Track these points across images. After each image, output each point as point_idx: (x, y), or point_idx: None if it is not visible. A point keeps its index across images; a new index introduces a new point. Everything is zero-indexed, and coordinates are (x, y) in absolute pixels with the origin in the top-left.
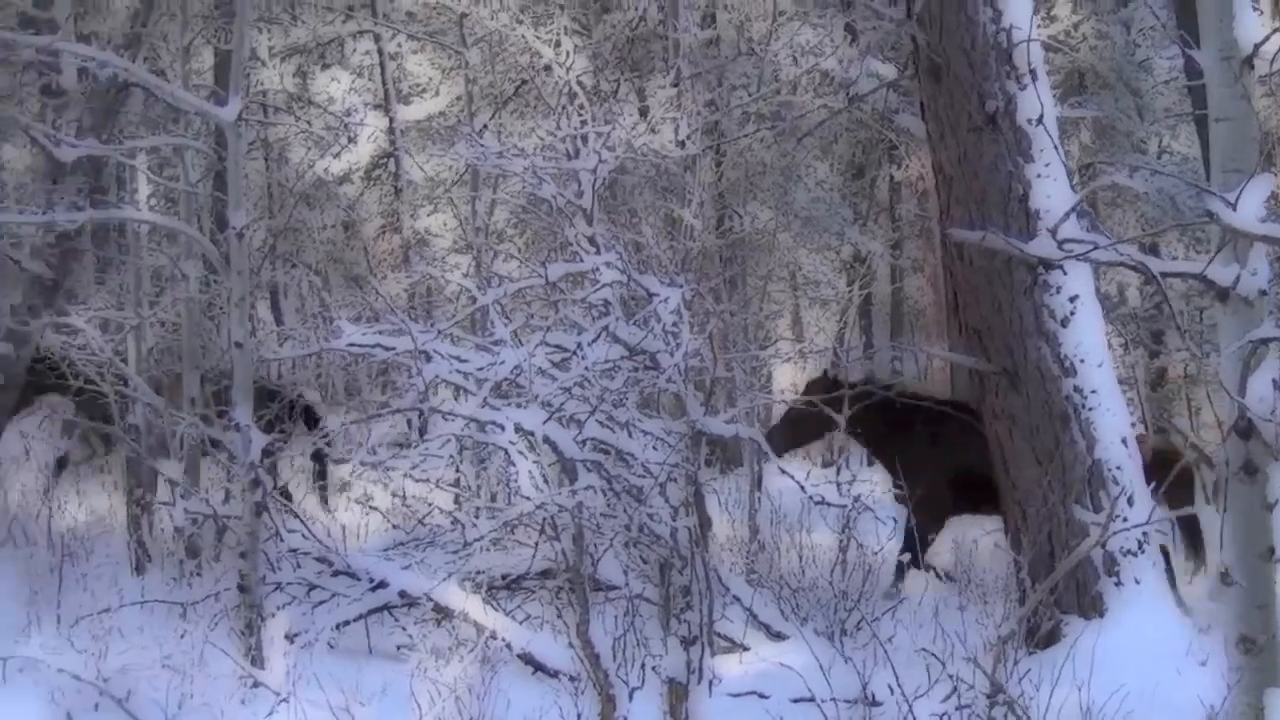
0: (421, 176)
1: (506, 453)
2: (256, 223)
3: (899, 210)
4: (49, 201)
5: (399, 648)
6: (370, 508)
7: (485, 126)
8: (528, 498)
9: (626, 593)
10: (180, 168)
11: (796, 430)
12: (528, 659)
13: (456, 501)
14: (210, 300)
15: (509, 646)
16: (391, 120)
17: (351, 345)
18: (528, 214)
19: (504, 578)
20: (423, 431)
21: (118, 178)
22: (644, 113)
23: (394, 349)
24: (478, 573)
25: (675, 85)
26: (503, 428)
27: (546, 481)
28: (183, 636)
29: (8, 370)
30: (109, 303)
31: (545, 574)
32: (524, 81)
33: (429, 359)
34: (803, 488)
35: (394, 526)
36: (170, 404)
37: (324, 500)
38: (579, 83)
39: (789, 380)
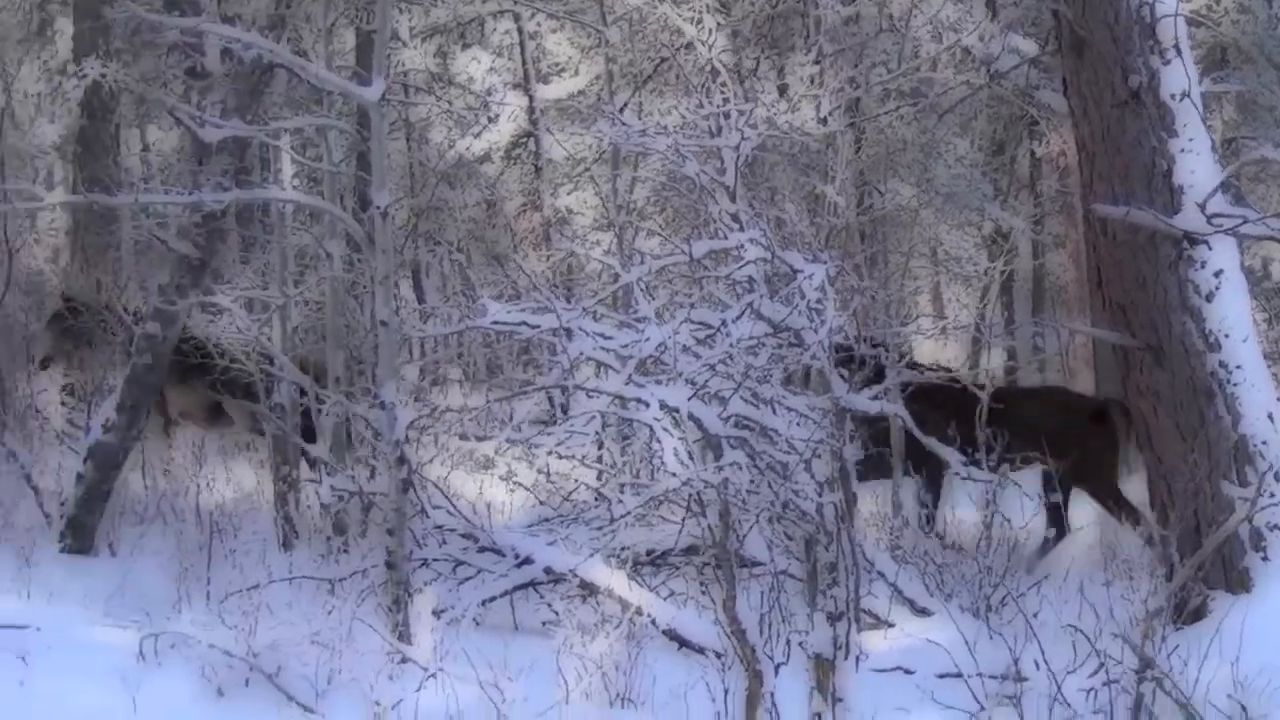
0: (561, 155)
1: (651, 429)
2: (399, 202)
3: (1040, 186)
4: (195, 182)
5: (544, 623)
6: (515, 484)
7: (625, 105)
8: (673, 474)
9: (771, 568)
10: (323, 148)
11: None
12: (673, 635)
13: (600, 478)
14: (354, 279)
15: (654, 622)
16: (531, 99)
17: (496, 323)
18: (668, 191)
19: (649, 554)
20: (565, 409)
21: (261, 158)
22: (783, 90)
23: (538, 326)
24: (622, 549)
25: (816, 63)
26: (647, 405)
27: (691, 458)
28: (330, 612)
29: (155, 350)
30: (254, 282)
31: (690, 550)
32: (663, 60)
33: (573, 336)
34: (948, 463)
35: (540, 503)
36: (315, 381)
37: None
38: (720, 60)
39: (930, 357)
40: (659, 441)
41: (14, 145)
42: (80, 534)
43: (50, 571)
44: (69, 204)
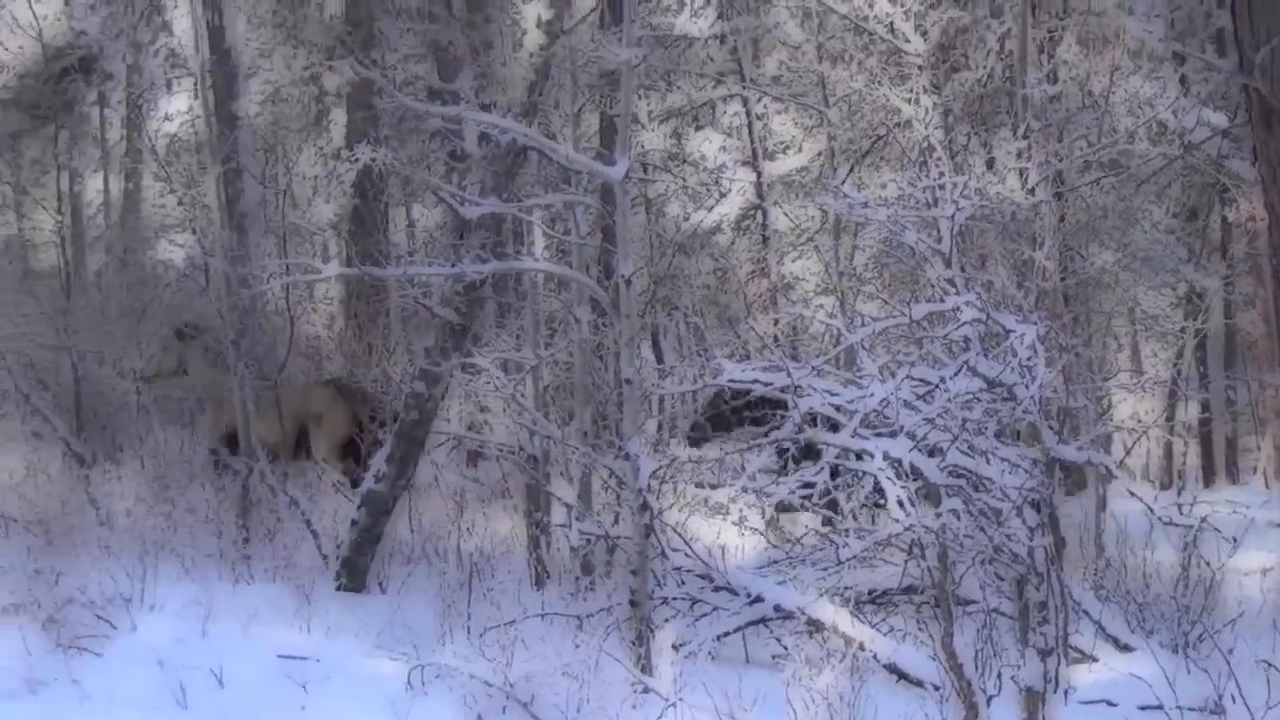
0: (787, 225)
1: (876, 479)
2: (639, 270)
3: (1231, 249)
4: (457, 255)
5: (774, 657)
6: (747, 528)
7: (846, 179)
8: (896, 520)
9: (984, 607)
10: (571, 222)
11: None
12: (893, 669)
13: (827, 523)
14: (599, 341)
15: (876, 657)
16: (759, 175)
17: (731, 381)
18: (887, 258)
19: (870, 593)
20: (796, 459)
21: (515, 232)
22: (990, 164)
23: (770, 384)
24: (846, 588)
25: (1024, 138)
26: (873, 456)
27: (913, 505)
28: (579, 646)
29: (422, 407)
30: (509, 345)
31: (908, 589)
32: (879, 137)
33: (802, 393)
34: (1150, 509)
35: (772, 546)
36: (565, 435)
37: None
38: (934, 137)
39: (1129, 410)
40: (883, 490)
41: (294, 223)
42: (354, 574)
43: (328, 607)
44: (344, 276)
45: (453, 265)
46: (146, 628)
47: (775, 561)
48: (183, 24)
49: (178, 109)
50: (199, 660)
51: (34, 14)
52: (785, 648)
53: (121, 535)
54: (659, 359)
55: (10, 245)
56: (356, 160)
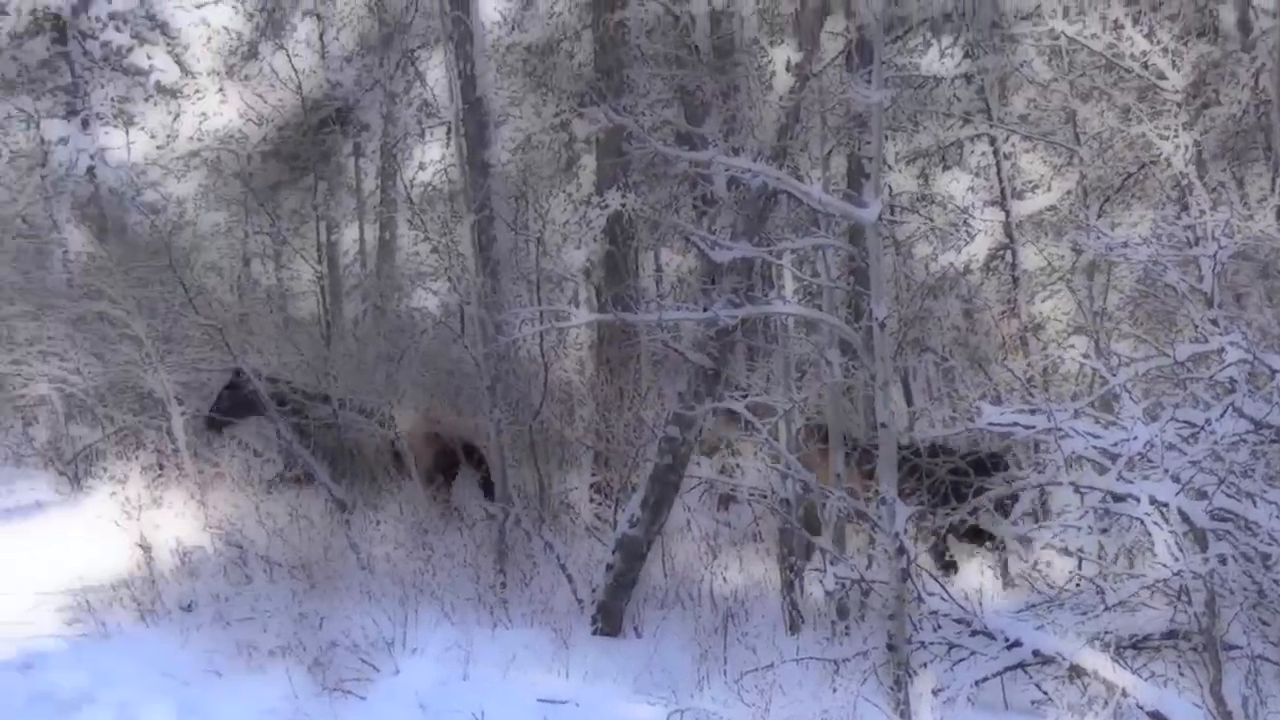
0: (1036, 265)
1: (1140, 522)
2: (891, 313)
3: None
4: (708, 299)
5: (1033, 703)
6: (1003, 571)
7: (1098, 217)
8: (1164, 564)
9: (1248, 653)
10: (821, 264)
11: None
12: (1157, 716)
13: (1081, 566)
14: (849, 384)
15: (1139, 704)
16: (1007, 214)
17: (991, 424)
18: (1143, 298)
19: (1131, 637)
20: (1043, 503)
21: (764, 275)
22: (1244, 200)
23: (1031, 427)
24: (1106, 633)
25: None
26: (1138, 499)
27: (1180, 549)
28: (836, 691)
29: (675, 451)
30: (760, 388)
31: (1170, 634)
32: (1129, 175)
33: (1064, 435)
34: None
35: (1035, 590)
36: (818, 479)
37: None
38: (1191, 173)
39: None
40: (1150, 534)
41: (545, 269)
42: (610, 618)
43: (585, 652)
44: (596, 321)
45: (705, 310)
46: (408, 671)
47: (1032, 605)
48: (435, 74)
49: (431, 158)
50: (460, 704)
51: (294, 68)
52: (1045, 693)
53: (382, 580)
54: (909, 401)
55: (271, 294)
56: (607, 206)
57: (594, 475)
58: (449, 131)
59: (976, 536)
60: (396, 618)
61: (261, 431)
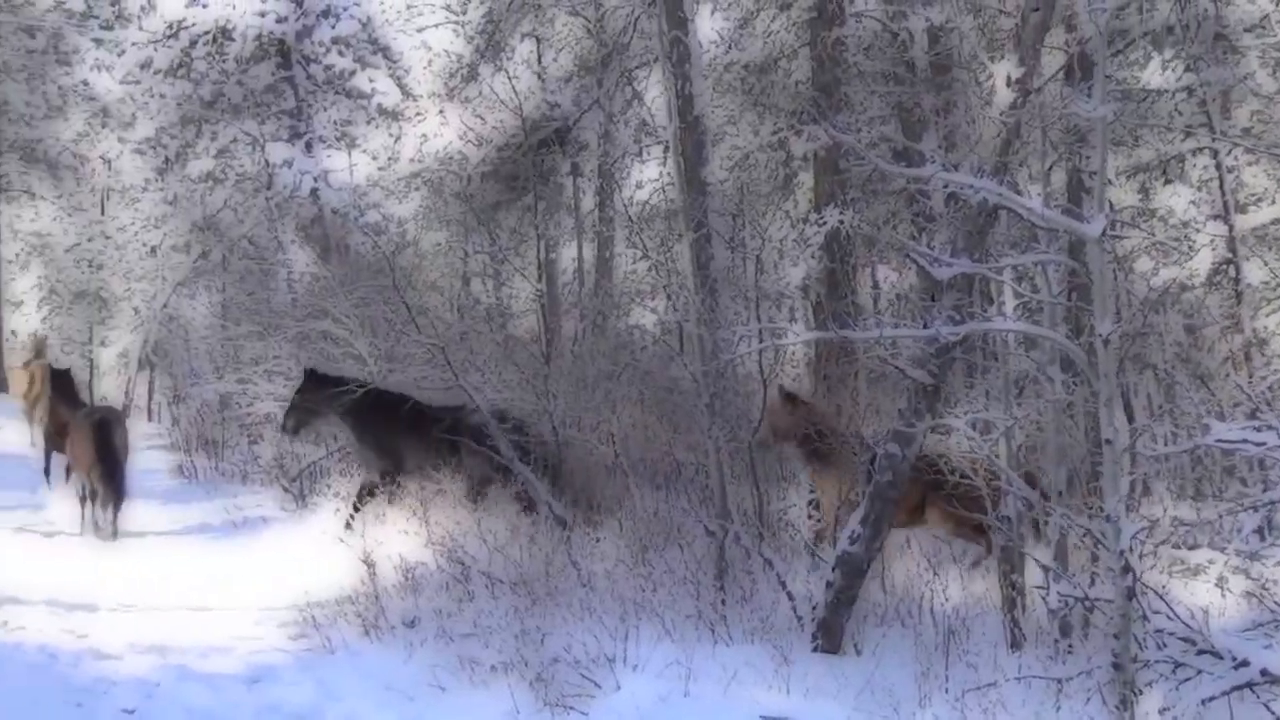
0: (1260, 279)
1: None
2: (1113, 329)
3: None
4: (928, 315)
5: None
6: (1230, 590)
7: None
8: None
9: None
10: (1041, 280)
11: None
12: None
13: None
14: (1070, 401)
15: None
16: (1230, 228)
17: (1219, 440)
18: None
19: None
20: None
21: (982, 292)
22: None
23: (1261, 443)
24: None
25: None
26: None
27: None
28: (1059, 710)
29: (895, 468)
30: (979, 405)
31: None
32: None
33: None
34: None
35: (1264, 607)
36: (1041, 496)
37: None
38: None
39: None
40: None
41: (764, 287)
42: (830, 635)
43: (805, 669)
44: (816, 339)
45: (925, 326)
46: (630, 687)
47: (1260, 624)
48: (652, 93)
49: (648, 176)
50: None
51: (513, 89)
52: (1275, 714)
53: (603, 596)
54: (1130, 418)
55: (491, 313)
56: (824, 223)
57: (812, 492)
58: (666, 150)
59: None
60: (617, 634)
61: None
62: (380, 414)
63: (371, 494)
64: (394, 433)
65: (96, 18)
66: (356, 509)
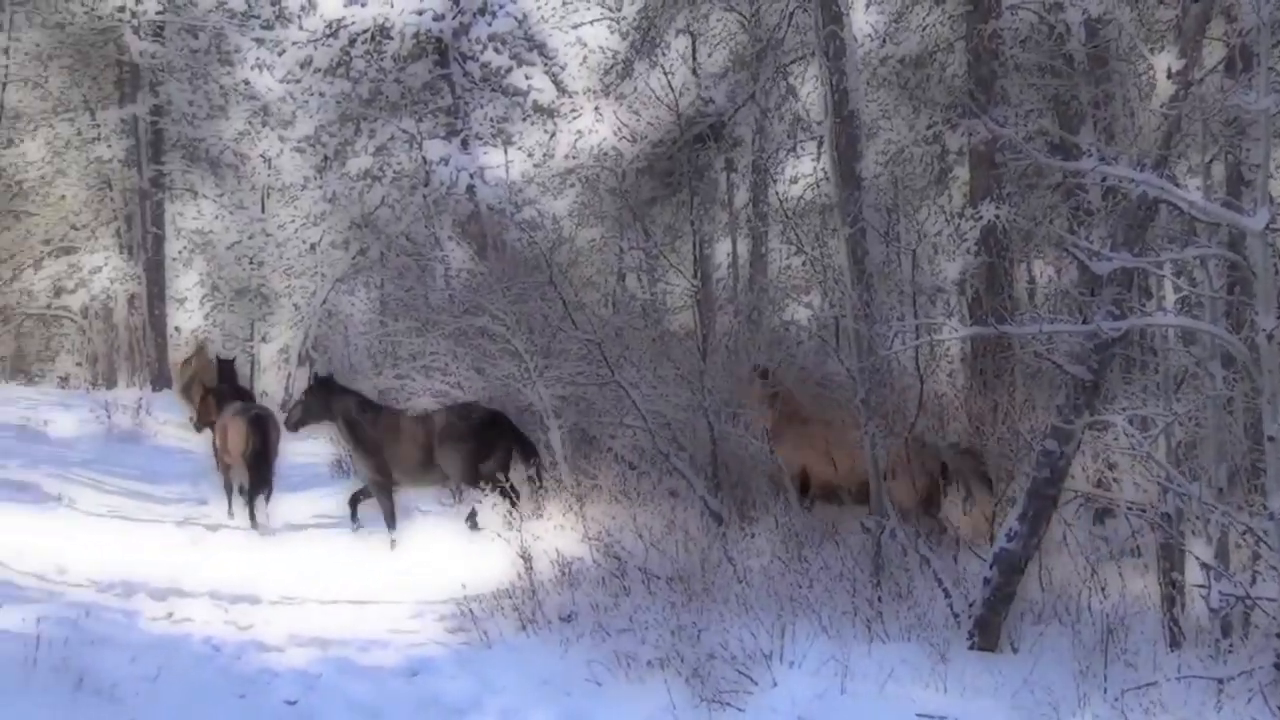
0: None
1: None
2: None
3: None
4: (1086, 310)
5: None
6: None
7: None
8: None
9: None
10: (1202, 274)
11: None
12: None
13: None
14: (1230, 396)
15: None
16: None
17: None
18: None
19: None
20: None
21: (1141, 286)
22: None
23: None
24: None
25: None
26: None
27: None
28: (1220, 710)
29: (1054, 465)
30: (1138, 401)
31: None
32: None
33: None
34: None
35: None
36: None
37: None
38: None
39: None
40: None
41: (920, 282)
42: (987, 632)
43: (963, 667)
44: (974, 335)
45: (1084, 321)
46: (786, 684)
47: None
48: (806, 88)
49: (802, 171)
50: (838, 717)
51: (669, 85)
52: None
53: (758, 592)
54: None
55: (646, 308)
56: (980, 217)
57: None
58: (821, 145)
59: None
60: (774, 630)
61: (636, 444)
62: (366, 423)
63: (364, 497)
64: (377, 441)
65: (257, 17)
66: (352, 505)
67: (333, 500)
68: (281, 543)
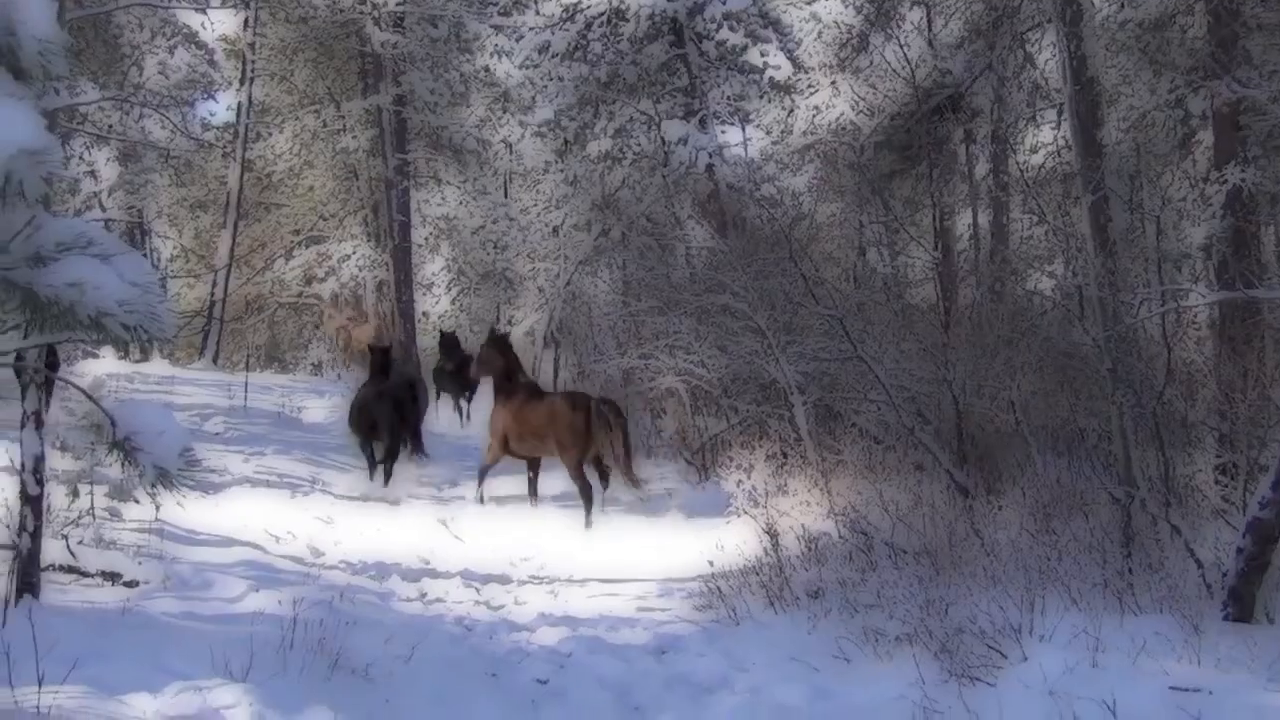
0: None
1: None
2: None
3: None
4: None
5: None
6: None
7: None
8: None
9: None
10: None
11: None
12: None
13: None
14: None
15: None
16: None
17: None
18: None
19: None
20: None
21: None
22: None
23: None
24: None
25: None
26: None
27: None
28: None
29: None
30: None
31: None
32: None
33: None
34: None
35: None
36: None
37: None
38: None
39: None
40: None
41: (1165, 249)
42: (1241, 603)
43: (1216, 639)
44: (1221, 299)
45: None
46: (1036, 658)
47: None
48: (1044, 55)
49: (1043, 140)
50: (1090, 691)
51: (905, 57)
52: None
53: (1006, 565)
54: None
55: (887, 282)
56: (1225, 181)
57: (1219, 457)
58: (1061, 113)
59: None
60: (1023, 604)
61: (880, 418)
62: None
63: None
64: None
65: (495, 4)
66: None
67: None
68: (534, 522)
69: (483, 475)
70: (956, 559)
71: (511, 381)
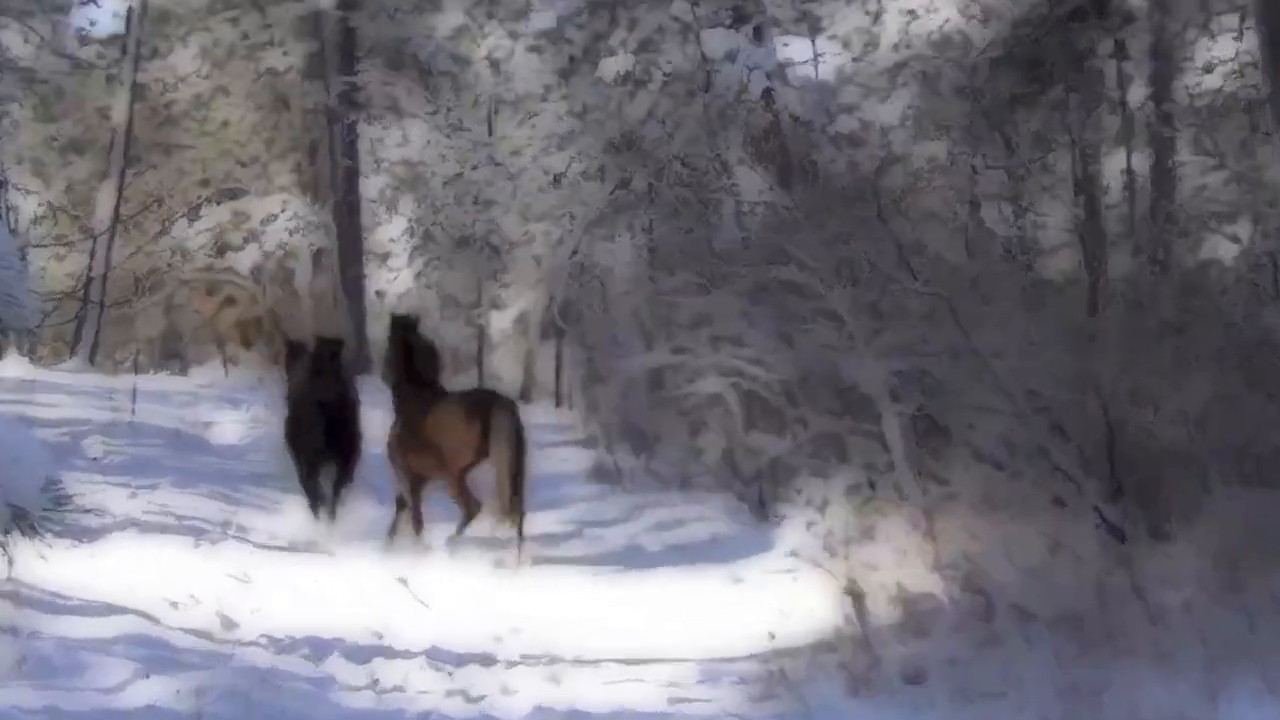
0: None
1: None
2: None
3: None
4: None
5: None
6: None
7: None
8: None
9: None
10: None
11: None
12: None
13: None
14: None
15: None
16: None
17: None
18: None
19: None
20: None
21: None
22: None
23: None
24: None
25: None
26: None
27: None
28: None
29: None
30: None
31: None
32: None
33: None
34: None
35: None
36: None
37: None
38: None
39: None
40: None
41: None
42: None
43: None
44: None
45: None
46: None
47: None
48: None
49: (1220, 56)
50: None
51: None
52: None
53: (1180, 636)
54: None
55: (1011, 248)
56: None
57: None
58: (1244, 19)
59: None
60: (1202, 690)
61: (1003, 434)
62: None
63: None
64: None
65: None
66: None
67: (595, 523)
68: (525, 582)
69: (400, 506)
70: (1110, 628)
71: (412, 384)
